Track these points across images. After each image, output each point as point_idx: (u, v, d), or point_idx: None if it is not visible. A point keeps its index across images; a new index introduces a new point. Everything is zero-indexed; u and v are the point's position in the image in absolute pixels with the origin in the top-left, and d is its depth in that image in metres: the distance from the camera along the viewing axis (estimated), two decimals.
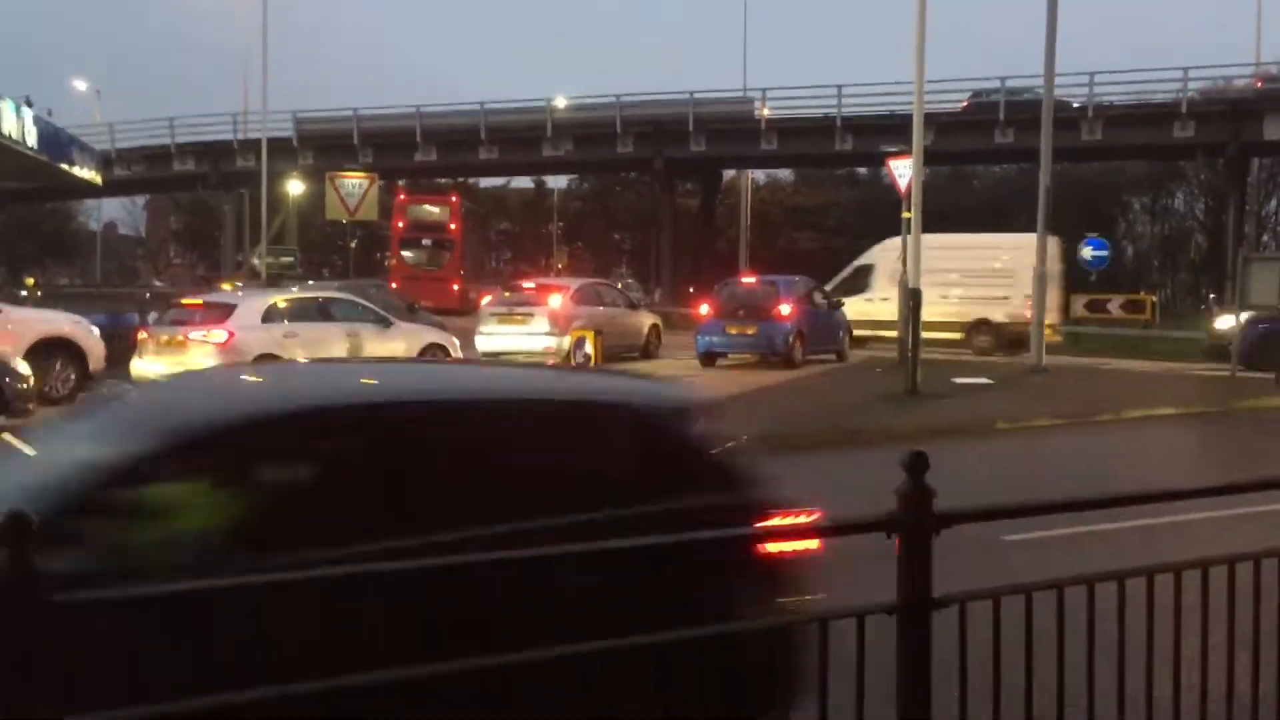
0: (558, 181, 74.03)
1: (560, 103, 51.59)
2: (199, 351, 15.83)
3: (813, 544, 3.94)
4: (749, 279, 24.81)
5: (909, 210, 20.17)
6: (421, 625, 3.29)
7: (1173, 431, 15.08)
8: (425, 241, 44.73)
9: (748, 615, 3.57)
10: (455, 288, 41.30)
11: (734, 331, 22.64)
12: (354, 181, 27.69)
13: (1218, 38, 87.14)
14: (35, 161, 25.14)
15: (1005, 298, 27.08)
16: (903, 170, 21.37)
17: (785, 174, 70.61)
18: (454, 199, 49.14)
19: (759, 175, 65.46)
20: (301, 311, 17.36)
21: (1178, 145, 45.96)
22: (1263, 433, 15.20)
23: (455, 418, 4.12)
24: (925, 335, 18.35)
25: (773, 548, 3.85)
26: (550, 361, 19.17)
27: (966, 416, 15.12)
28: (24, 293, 29.05)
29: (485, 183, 73.23)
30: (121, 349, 17.00)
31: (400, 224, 45.73)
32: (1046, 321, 22.37)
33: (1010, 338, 25.93)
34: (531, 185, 75.67)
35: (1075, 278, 32.03)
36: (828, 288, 26.54)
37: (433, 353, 18.51)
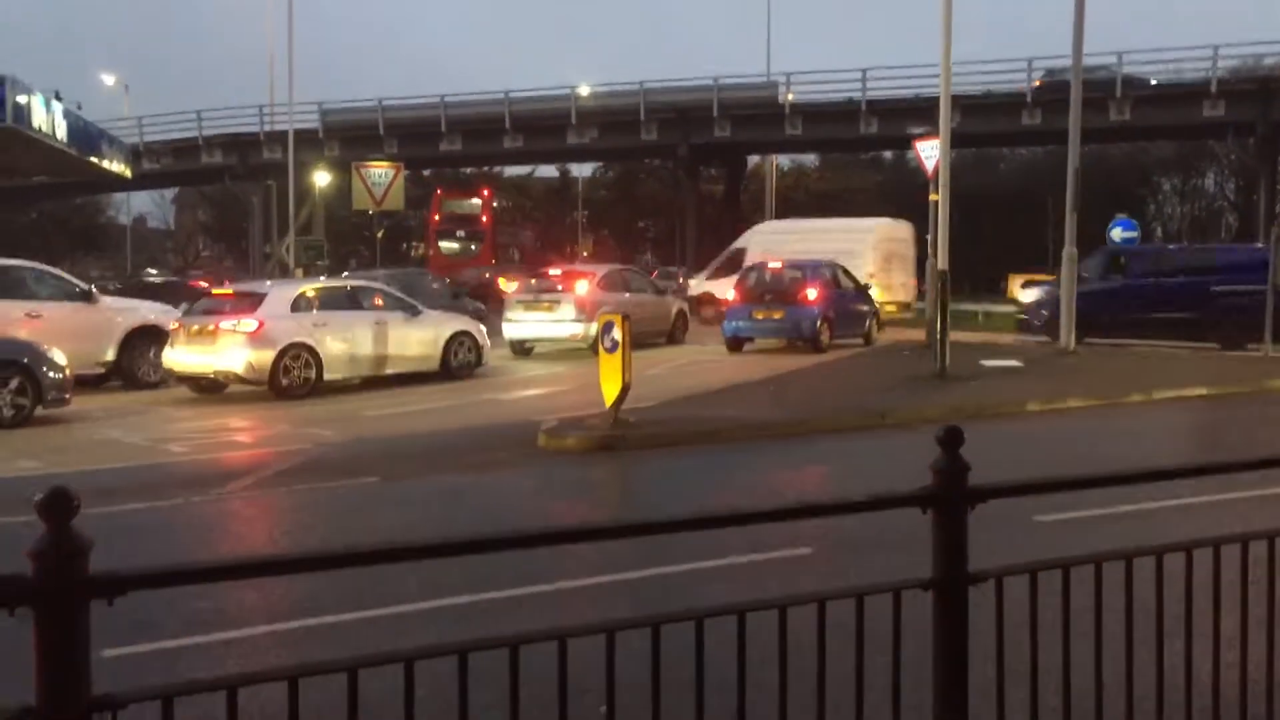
0: (582, 169, 74.12)
1: (584, 90, 51.54)
2: (230, 341, 15.95)
3: None
4: (775, 264, 24.72)
5: (936, 192, 20.04)
6: None
7: (1205, 412, 14.94)
8: (460, 233, 47.58)
9: None
10: (487, 276, 42.20)
11: (761, 316, 22.61)
12: (380, 171, 27.74)
13: (1247, 11, 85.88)
14: (65, 155, 25.36)
15: None
16: (930, 152, 21.24)
17: (810, 159, 70.28)
18: (485, 193, 50.61)
19: (783, 160, 65.16)
20: (330, 300, 17.45)
21: (1208, 124, 45.45)
22: None
23: None
24: None
25: None
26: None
27: (997, 398, 15.03)
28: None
29: (510, 171, 73.29)
30: None
31: (436, 217, 48.84)
32: (897, 300, 23.84)
33: None
34: (556, 174, 75.75)
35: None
36: (706, 271, 29.67)
37: (460, 340, 18.59)
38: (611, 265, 28.18)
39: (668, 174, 62.69)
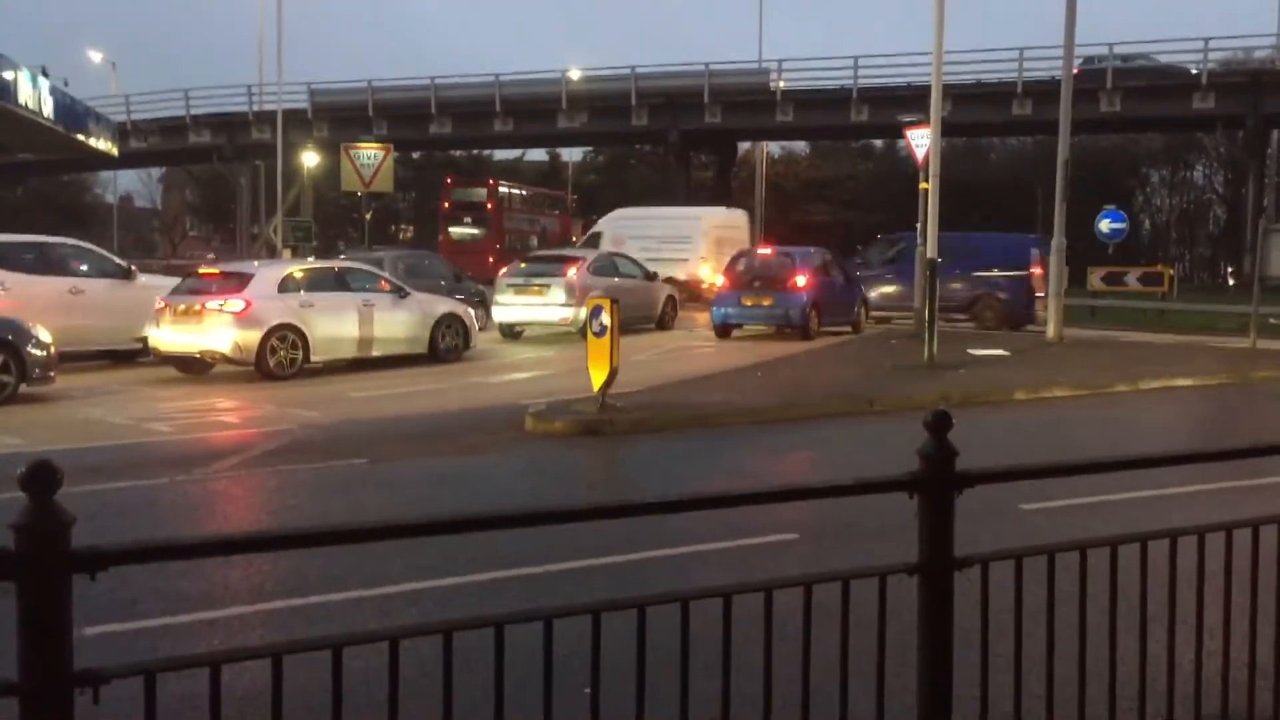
0: (572, 154, 73.89)
1: (575, 75, 51.38)
2: (216, 321, 15.87)
3: None
4: (765, 250, 24.72)
5: (926, 181, 20.05)
6: None
7: (1191, 401, 15.01)
8: (467, 219, 49.74)
9: None
10: (491, 260, 43.19)
11: (750, 303, 22.60)
12: (369, 153, 27.62)
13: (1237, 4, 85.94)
14: (52, 132, 25.15)
15: (685, 259, 32.71)
16: (920, 140, 21.25)
17: (801, 146, 70.24)
18: (491, 182, 52.25)
19: (774, 148, 65.13)
20: (318, 281, 17.37)
21: (1197, 117, 45.54)
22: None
23: None
24: None
25: None
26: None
27: (985, 386, 15.07)
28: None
29: (500, 155, 73.04)
30: None
31: (446, 204, 51.18)
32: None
33: (688, 293, 30.03)
34: (546, 158, 75.47)
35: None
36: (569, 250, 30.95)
37: (448, 323, 18.54)
38: (601, 250, 28.15)
39: (658, 160, 62.54)
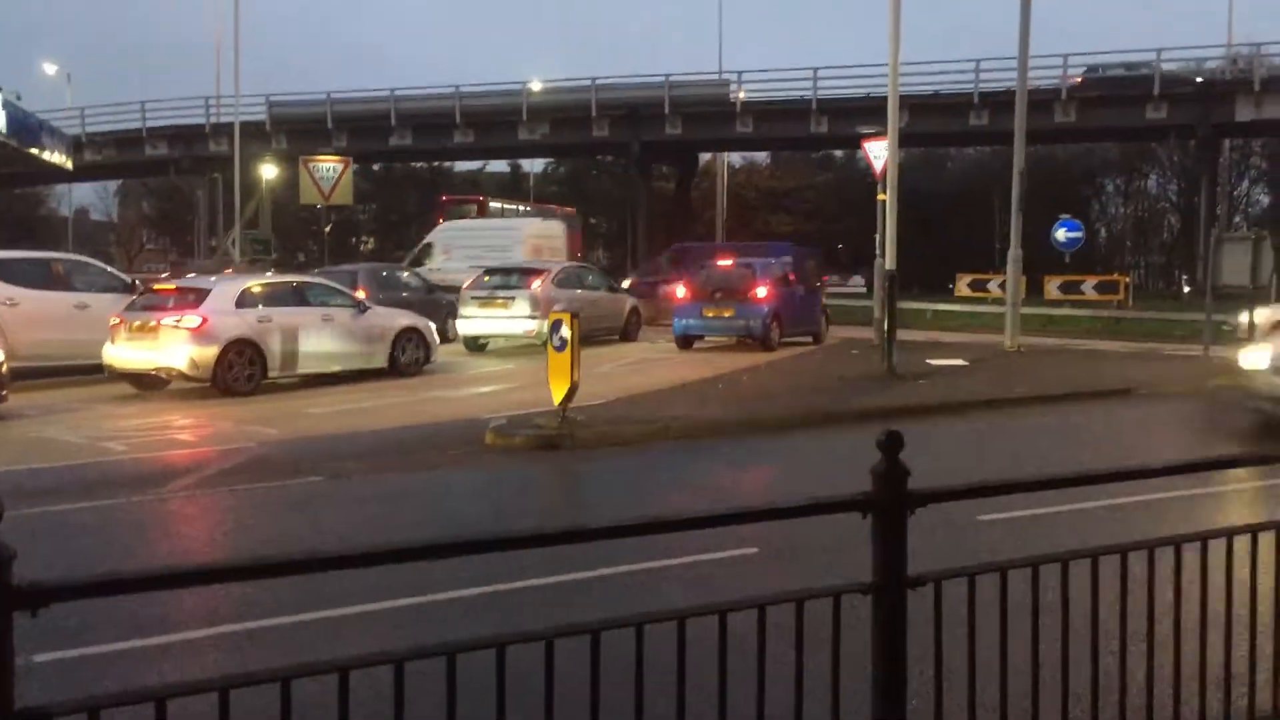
0: (533, 165, 73.84)
1: (535, 86, 51.38)
2: (172, 336, 15.70)
3: None
4: (726, 261, 24.77)
5: (884, 192, 20.19)
6: None
7: (1145, 410, 15.18)
8: None
9: None
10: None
11: (711, 314, 22.65)
12: (328, 165, 27.49)
13: (1188, 16, 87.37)
14: (4, 147, 24.85)
15: None
16: (879, 153, 21.40)
17: (761, 157, 70.60)
18: (481, 199, 52.16)
19: (735, 158, 65.40)
20: (276, 296, 17.23)
21: (1151, 127, 46.19)
22: (1231, 410, 15.31)
23: None
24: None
25: None
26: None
27: (943, 397, 15.19)
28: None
29: (460, 166, 72.84)
30: None
31: (441, 220, 50.75)
32: None
33: None
34: (507, 169, 75.36)
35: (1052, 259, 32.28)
36: (406, 261, 32.69)
37: (409, 336, 18.44)
38: (566, 262, 28.11)
39: (619, 171, 62.67)
